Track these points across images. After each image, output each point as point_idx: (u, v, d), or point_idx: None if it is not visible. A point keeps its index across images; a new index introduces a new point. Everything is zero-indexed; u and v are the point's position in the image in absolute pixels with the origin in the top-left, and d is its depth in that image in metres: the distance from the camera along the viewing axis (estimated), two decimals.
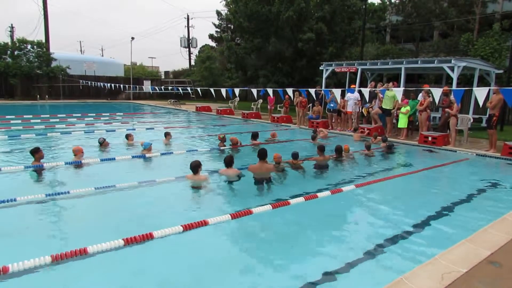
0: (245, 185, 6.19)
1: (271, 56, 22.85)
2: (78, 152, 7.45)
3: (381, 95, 12.24)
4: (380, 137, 10.73)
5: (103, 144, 9.04)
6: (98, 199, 5.41)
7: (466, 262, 3.32)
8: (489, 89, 8.45)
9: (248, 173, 6.53)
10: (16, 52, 27.98)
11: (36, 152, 6.87)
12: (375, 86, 13.90)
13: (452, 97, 10.34)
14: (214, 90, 18.21)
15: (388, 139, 10.73)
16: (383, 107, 12.44)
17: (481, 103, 8.21)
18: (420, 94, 11.78)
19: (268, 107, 18.18)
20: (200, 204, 5.50)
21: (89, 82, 28.44)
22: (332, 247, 4.04)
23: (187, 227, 4.08)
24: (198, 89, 21.98)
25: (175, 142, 10.38)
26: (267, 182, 6.28)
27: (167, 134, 10.29)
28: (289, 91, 12.32)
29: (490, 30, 21.63)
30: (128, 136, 9.82)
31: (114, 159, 7.74)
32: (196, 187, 5.91)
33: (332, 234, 4.49)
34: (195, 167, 5.97)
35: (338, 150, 8.09)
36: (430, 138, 10.71)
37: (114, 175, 6.83)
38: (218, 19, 36.33)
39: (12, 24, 31.85)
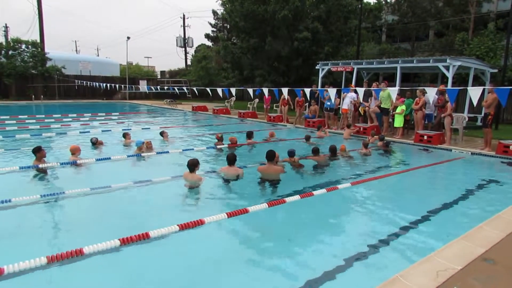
0: (242, 184, 6.17)
1: (267, 55, 22.85)
2: (75, 151, 7.44)
3: (375, 95, 12.27)
4: (376, 136, 10.74)
5: (96, 143, 9.04)
6: (93, 199, 5.38)
7: (461, 260, 3.34)
8: (483, 89, 8.49)
9: (253, 174, 6.49)
10: (10, 52, 27.75)
11: (38, 151, 6.79)
12: (369, 86, 13.94)
13: (446, 96, 10.40)
14: (210, 89, 18.18)
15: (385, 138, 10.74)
16: (382, 106, 12.46)
17: (475, 103, 8.24)
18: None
19: (264, 106, 18.20)
20: (196, 204, 5.49)
21: (84, 82, 28.28)
22: (327, 245, 4.05)
23: (183, 227, 4.07)
24: (194, 88, 21.89)
25: (172, 140, 10.37)
26: (275, 184, 6.14)
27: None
28: (285, 91, 12.33)
29: (485, 30, 21.78)
30: (125, 135, 9.82)
31: (109, 158, 7.71)
32: (190, 187, 5.86)
33: (327, 232, 4.50)
34: (192, 165, 5.89)
35: (332, 150, 8.14)
36: (425, 137, 10.77)
37: (110, 175, 6.81)
38: (214, 19, 36.35)
39: (6, 24, 31.85)
